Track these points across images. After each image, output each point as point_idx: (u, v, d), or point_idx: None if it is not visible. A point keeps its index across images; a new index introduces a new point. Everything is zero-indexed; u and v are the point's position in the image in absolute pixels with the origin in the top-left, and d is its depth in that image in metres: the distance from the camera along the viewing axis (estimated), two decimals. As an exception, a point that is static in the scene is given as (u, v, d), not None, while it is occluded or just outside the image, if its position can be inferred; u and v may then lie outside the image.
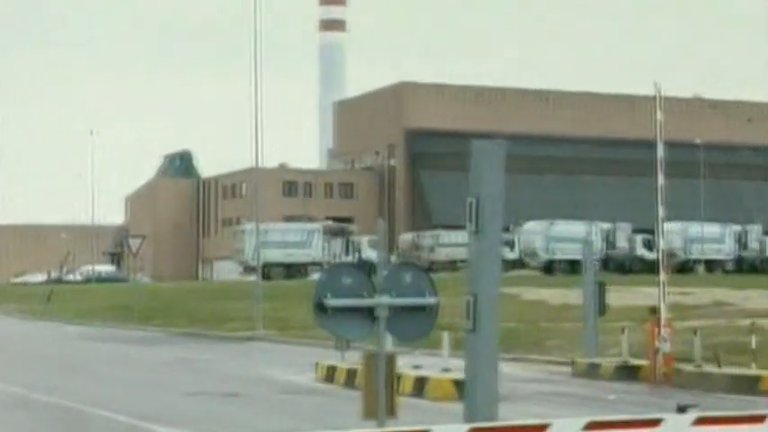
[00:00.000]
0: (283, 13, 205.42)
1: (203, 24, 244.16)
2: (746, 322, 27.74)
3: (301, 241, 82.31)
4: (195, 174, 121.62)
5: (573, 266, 69.59)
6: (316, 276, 62.81)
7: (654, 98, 25.29)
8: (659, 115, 25.12)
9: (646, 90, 31.28)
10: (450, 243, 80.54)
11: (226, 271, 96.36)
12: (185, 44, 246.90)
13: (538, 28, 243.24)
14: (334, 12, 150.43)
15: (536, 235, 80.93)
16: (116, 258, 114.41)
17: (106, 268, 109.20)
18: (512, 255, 78.31)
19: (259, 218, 51.73)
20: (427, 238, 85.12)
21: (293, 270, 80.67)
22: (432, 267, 76.92)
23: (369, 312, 11.20)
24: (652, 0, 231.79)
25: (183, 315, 50.65)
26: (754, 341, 23.62)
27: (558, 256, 79.62)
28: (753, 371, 23.10)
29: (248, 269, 75.93)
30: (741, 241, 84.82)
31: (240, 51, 76.11)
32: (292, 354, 34.08)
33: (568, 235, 77.49)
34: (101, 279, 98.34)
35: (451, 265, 79.16)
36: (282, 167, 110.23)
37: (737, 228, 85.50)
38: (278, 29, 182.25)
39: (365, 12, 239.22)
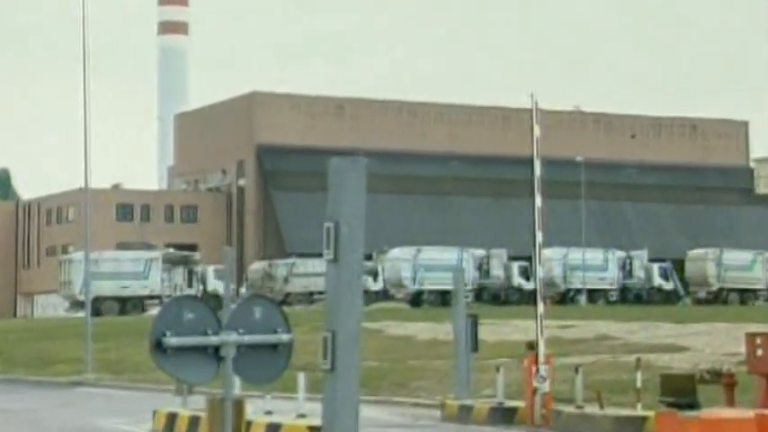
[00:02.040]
0: (118, 13, 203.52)
1: (23, 24, 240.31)
2: (632, 358, 28.36)
3: (137, 272, 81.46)
4: (14, 195, 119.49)
5: (443, 297, 70.35)
6: (154, 311, 62.20)
7: (530, 111, 25.69)
8: (536, 130, 25.52)
9: (521, 102, 31.86)
10: (307, 273, 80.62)
11: (50, 306, 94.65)
12: (2, 47, 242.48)
13: (405, 34, 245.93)
14: (176, 13, 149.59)
15: (402, 263, 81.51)
16: None
17: None
18: (375, 285, 78.75)
19: (89, 246, 50.99)
20: (280, 267, 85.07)
21: (128, 304, 79.82)
22: (286, 300, 76.99)
23: (214, 352, 11.16)
24: (528, 6, 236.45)
25: (-1, 357, 49.61)
26: (639, 379, 24.12)
27: (427, 287, 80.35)
28: (638, 412, 23.59)
29: (76, 304, 74.79)
30: (626, 269, 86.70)
31: (68, 55, 75.15)
32: (127, 400, 33.71)
33: (438, 263, 78.29)
34: None
35: (308, 298, 79.23)
36: (116, 188, 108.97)
37: (621, 254, 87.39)
38: (112, 31, 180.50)
39: (211, 13, 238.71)
